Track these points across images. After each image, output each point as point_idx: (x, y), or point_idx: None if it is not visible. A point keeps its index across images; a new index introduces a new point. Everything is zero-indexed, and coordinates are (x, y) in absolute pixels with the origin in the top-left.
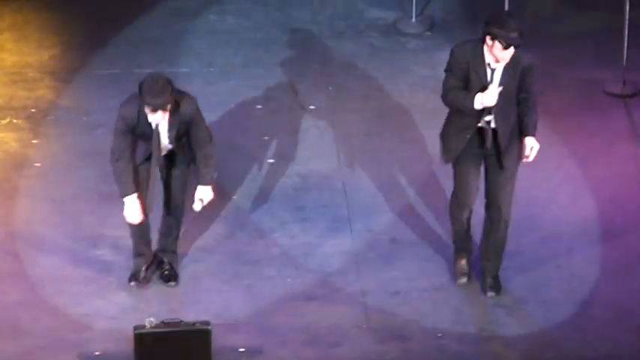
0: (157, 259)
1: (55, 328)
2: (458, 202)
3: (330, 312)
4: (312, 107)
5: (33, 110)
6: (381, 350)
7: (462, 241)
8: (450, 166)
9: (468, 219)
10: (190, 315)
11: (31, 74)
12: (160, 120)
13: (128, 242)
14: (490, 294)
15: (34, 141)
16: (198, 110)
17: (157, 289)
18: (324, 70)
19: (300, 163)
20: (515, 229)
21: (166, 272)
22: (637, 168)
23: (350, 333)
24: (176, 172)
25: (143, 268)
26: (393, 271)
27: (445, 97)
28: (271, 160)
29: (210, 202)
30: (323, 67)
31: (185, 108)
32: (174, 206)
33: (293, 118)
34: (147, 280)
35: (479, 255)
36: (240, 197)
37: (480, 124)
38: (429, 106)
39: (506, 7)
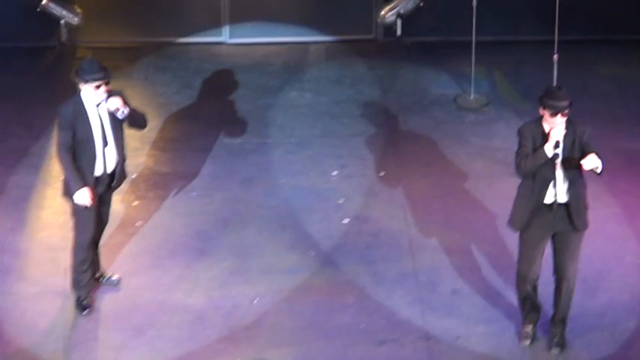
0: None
1: None
2: (521, 274)
3: (398, 355)
4: (381, 174)
5: (134, 176)
6: None
7: (527, 308)
8: (506, 229)
9: (534, 289)
10: (273, 356)
11: (133, 144)
12: (101, 99)
13: (219, 292)
14: (554, 351)
15: (134, 203)
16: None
17: (238, 333)
18: (393, 141)
19: (371, 223)
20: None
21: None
22: None
23: None
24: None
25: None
26: (454, 318)
27: (520, 166)
28: (346, 221)
29: (288, 256)
30: (391, 138)
31: (114, 92)
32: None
33: (365, 184)
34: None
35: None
36: (319, 254)
37: (546, 201)
38: (486, 174)
39: (555, 82)
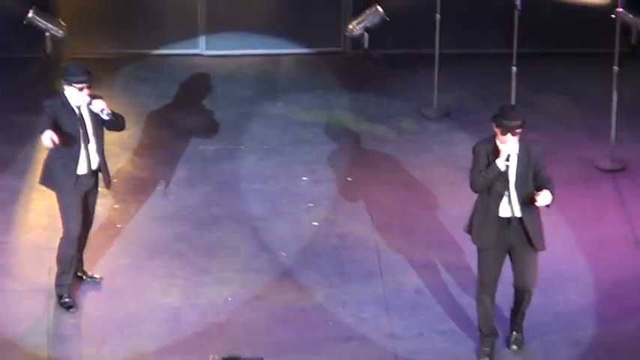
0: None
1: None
2: (483, 287)
3: (364, 351)
4: (349, 179)
5: (114, 180)
6: None
7: (485, 326)
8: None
9: (492, 303)
10: (247, 352)
11: (113, 150)
12: (83, 101)
13: (195, 291)
14: (514, 347)
15: (115, 206)
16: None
17: (213, 330)
18: (360, 148)
19: (339, 225)
20: None
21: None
22: (624, 230)
23: None
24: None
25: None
26: (418, 316)
27: (474, 182)
28: (315, 223)
29: (260, 257)
30: (358, 146)
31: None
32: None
33: (333, 189)
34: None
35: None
36: (289, 255)
37: (502, 215)
38: (449, 180)
39: (513, 98)
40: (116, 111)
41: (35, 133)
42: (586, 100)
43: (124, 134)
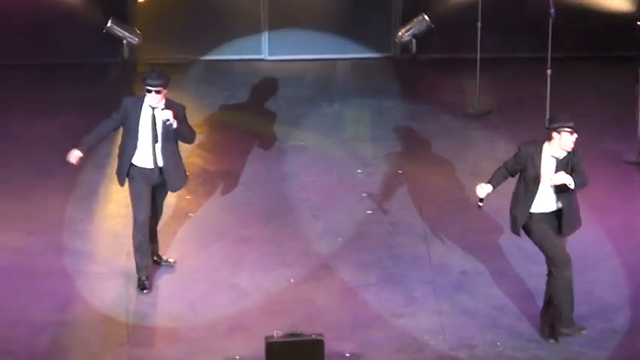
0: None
1: (206, 337)
2: (556, 261)
3: (414, 327)
4: (400, 171)
5: (187, 173)
6: (453, 355)
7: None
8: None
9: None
10: (307, 328)
11: (184, 147)
12: (156, 103)
13: (260, 273)
14: (551, 341)
15: (187, 197)
16: (185, 112)
17: (276, 308)
18: (409, 144)
19: (391, 213)
20: None
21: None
22: None
23: (430, 342)
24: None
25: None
26: (463, 295)
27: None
28: (369, 212)
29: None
30: (408, 141)
31: (176, 105)
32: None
33: (385, 180)
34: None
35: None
36: (345, 240)
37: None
38: (490, 172)
39: (548, 94)
40: (187, 111)
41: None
42: (613, 100)
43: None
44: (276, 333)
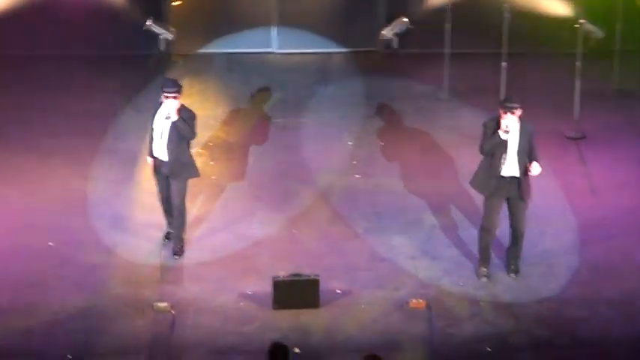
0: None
1: (224, 277)
2: (484, 227)
3: (393, 269)
4: (382, 143)
5: (211, 144)
6: (424, 292)
7: (483, 255)
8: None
9: (491, 241)
10: (307, 271)
11: (210, 122)
12: (171, 109)
13: (269, 226)
14: (512, 275)
15: (211, 163)
16: (194, 116)
17: (283, 254)
18: (390, 121)
19: (375, 177)
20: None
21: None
22: (584, 182)
23: (405, 282)
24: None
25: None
26: (433, 244)
27: (482, 147)
28: (358, 176)
29: (317, 200)
30: (389, 119)
31: (185, 110)
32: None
33: (371, 150)
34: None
35: (506, 253)
36: (337, 198)
37: (503, 174)
38: (455, 144)
39: (503, 82)
40: (211, 94)
41: (153, 107)
42: (557, 89)
43: (217, 110)
44: (281, 273)
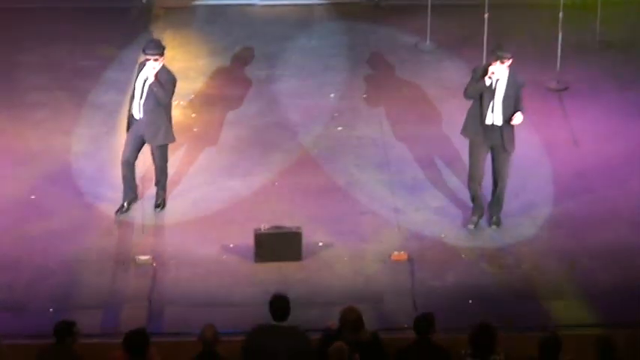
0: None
1: (206, 229)
2: (471, 176)
3: (376, 221)
4: (364, 95)
5: (192, 96)
6: (406, 245)
7: (474, 203)
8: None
9: (479, 188)
10: (288, 222)
11: (191, 74)
12: (150, 71)
13: (250, 178)
14: (494, 227)
15: (192, 115)
16: (172, 80)
17: (263, 206)
18: (372, 73)
19: (357, 129)
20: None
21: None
22: (566, 134)
23: (387, 234)
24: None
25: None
26: (415, 197)
27: (466, 90)
28: (340, 128)
29: (299, 153)
30: (371, 71)
31: (165, 72)
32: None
33: (353, 102)
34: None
35: (488, 204)
36: (320, 151)
37: (488, 122)
38: (438, 97)
39: (485, 34)
40: (193, 47)
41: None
42: (539, 40)
43: (199, 62)
44: (263, 226)
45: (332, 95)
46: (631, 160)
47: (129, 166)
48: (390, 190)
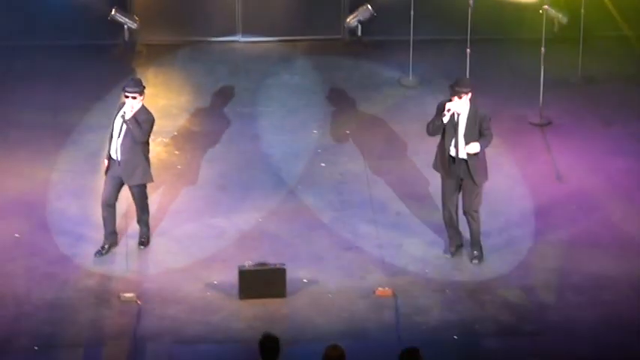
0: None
1: (190, 266)
2: (443, 204)
3: (359, 257)
4: (347, 132)
5: (175, 133)
6: (391, 281)
7: (449, 232)
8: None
9: (451, 217)
10: (272, 259)
11: (174, 111)
12: (129, 109)
13: (234, 215)
14: (474, 262)
15: (176, 152)
16: (150, 119)
17: (248, 243)
18: (356, 109)
19: (340, 165)
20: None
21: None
22: (549, 168)
23: (373, 269)
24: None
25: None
26: (398, 232)
27: (427, 128)
28: (323, 164)
29: (283, 189)
30: (354, 107)
31: (144, 112)
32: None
33: (336, 138)
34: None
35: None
36: (302, 187)
37: (452, 154)
38: (421, 132)
39: (467, 73)
40: (176, 84)
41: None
42: (521, 75)
43: (181, 99)
44: (247, 263)
45: (315, 131)
46: (613, 193)
47: (109, 207)
48: (373, 226)
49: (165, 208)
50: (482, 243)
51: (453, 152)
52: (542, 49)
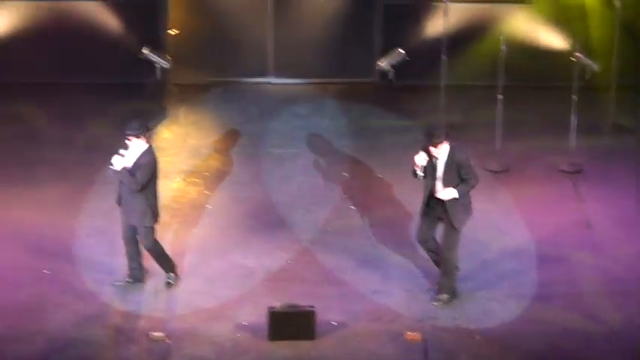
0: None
1: (220, 307)
2: (418, 241)
3: (388, 301)
4: (380, 176)
5: (206, 173)
6: (420, 325)
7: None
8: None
9: (429, 252)
10: (302, 302)
11: (204, 151)
12: (130, 151)
13: (264, 255)
14: (435, 304)
15: (205, 192)
16: (150, 163)
17: (278, 285)
18: (386, 152)
19: (371, 209)
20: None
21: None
22: (580, 215)
23: (402, 313)
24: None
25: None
26: (427, 276)
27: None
28: (353, 207)
29: (312, 230)
30: (385, 150)
31: (147, 155)
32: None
33: (367, 183)
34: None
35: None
36: (332, 229)
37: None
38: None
39: (500, 120)
40: (208, 123)
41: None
42: (552, 121)
43: (212, 139)
44: (277, 305)
45: (345, 174)
46: None
47: (128, 242)
48: (403, 271)
49: (195, 247)
50: (454, 287)
51: (432, 193)
52: (574, 96)
